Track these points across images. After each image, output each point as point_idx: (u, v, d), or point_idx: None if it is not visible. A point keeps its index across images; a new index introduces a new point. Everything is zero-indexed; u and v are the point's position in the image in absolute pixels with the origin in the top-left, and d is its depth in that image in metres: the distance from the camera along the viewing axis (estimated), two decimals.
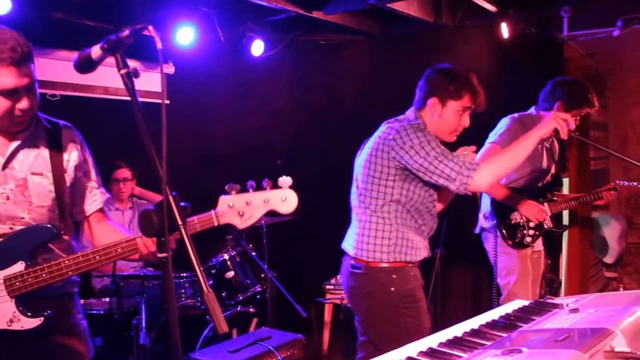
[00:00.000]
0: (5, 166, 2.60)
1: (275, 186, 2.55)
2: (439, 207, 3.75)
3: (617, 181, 4.93)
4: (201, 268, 1.80)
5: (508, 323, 2.12)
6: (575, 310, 2.15)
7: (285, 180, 2.51)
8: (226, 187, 2.53)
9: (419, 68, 6.50)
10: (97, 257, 2.55)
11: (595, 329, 1.81)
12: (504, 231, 4.76)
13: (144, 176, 5.77)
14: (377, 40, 6.99)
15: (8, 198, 2.60)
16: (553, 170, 4.95)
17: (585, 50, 6.54)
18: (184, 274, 5.34)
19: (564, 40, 6.02)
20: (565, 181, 5.76)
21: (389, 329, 3.55)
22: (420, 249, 3.61)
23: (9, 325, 2.53)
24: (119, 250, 2.55)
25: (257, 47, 6.42)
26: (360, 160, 3.69)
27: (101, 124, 5.47)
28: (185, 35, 5.63)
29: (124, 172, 5.69)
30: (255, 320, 5.42)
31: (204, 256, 5.41)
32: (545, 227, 4.80)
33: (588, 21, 5.86)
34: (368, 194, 3.61)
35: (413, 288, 3.58)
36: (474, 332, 2.03)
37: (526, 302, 2.41)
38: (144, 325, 4.65)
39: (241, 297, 5.37)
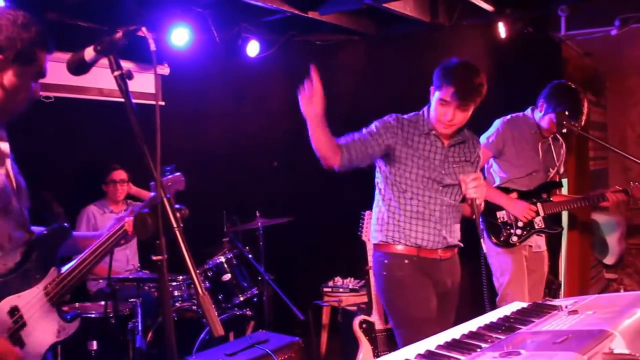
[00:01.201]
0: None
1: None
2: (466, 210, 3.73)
3: (632, 183, 4.85)
4: (196, 270, 1.79)
5: (506, 325, 2.11)
6: (574, 312, 2.14)
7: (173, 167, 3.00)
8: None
9: (415, 68, 6.52)
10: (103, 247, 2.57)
11: (594, 331, 1.79)
12: (488, 229, 4.76)
13: (138, 178, 5.72)
14: (373, 41, 6.97)
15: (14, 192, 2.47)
16: (553, 171, 4.91)
17: (583, 49, 6.53)
18: (180, 277, 5.29)
19: (561, 39, 6.01)
20: (564, 182, 5.72)
21: (387, 309, 3.80)
22: (417, 233, 3.63)
23: (58, 337, 2.49)
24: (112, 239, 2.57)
25: (253, 48, 6.39)
26: None
27: (96, 125, 5.43)
28: (180, 36, 5.59)
29: (121, 174, 5.64)
30: (252, 323, 5.39)
31: (200, 259, 5.42)
32: (536, 227, 4.75)
33: (585, 20, 5.83)
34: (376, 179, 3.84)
35: (403, 276, 3.63)
36: (472, 335, 2.02)
37: (525, 304, 2.40)
38: (140, 328, 4.61)
39: (238, 300, 5.32)
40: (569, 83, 4.80)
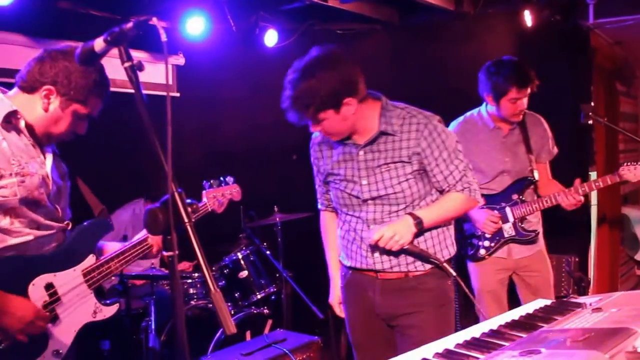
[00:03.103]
0: None
1: (227, 183, 3.51)
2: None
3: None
4: (208, 266, 1.79)
5: (528, 323, 2.11)
6: (598, 310, 2.12)
7: (231, 179, 3.53)
8: (204, 184, 3.38)
9: (439, 58, 6.40)
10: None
11: (617, 329, 1.77)
12: (459, 244, 4.13)
13: (151, 173, 5.62)
14: (395, 30, 6.91)
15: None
16: (521, 168, 4.34)
17: (613, 38, 6.45)
18: (196, 274, 5.26)
19: (590, 28, 5.90)
20: (593, 175, 5.59)
21: None
22: (345, 254, 3.43)
23: (94, 317, 2.79)
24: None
25: (271, 37, 6.29)
26: None
27: (106, 117, 5.31)
28: (196, 25, 5.49)
29: None
30: (269, 322, 5.30)
31: (216, 255, 5.39)
32: (506, 235, 4.27)
33: (615, 8, 5.74)
34: None
35: (342, 287, 3.54)
36: (493, 333, 2.02)
37: (548, 302, 2.39)
38: (153, 327, 4.56)
39: (255, 298, 5.27)
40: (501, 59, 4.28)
